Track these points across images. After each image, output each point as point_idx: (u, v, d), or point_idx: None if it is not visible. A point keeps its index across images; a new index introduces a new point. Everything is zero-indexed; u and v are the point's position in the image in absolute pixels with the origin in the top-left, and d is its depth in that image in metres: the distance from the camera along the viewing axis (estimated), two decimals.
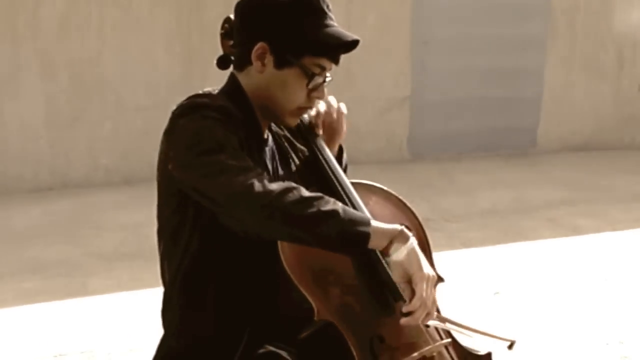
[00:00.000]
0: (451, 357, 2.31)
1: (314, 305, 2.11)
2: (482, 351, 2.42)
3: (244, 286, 2.25)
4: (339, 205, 1.99)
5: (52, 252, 5.84)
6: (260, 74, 2.19)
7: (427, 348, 2.21)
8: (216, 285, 2.25)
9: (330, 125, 2.44)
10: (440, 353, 2.27)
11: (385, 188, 2.46)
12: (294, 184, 2.02)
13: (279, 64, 2.16)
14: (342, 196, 2.25)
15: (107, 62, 7.14)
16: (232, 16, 2.47)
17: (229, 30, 2.44)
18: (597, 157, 9.20)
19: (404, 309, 2.04)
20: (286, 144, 2.45)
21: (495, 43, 8.63)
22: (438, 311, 2.20)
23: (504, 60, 8.64)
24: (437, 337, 2.28)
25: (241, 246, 2.20)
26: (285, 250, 2.12)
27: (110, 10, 7.11)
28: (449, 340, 2.30)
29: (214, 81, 7.82)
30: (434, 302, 2.09)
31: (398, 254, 2.02)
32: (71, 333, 4.56)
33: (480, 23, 8.52)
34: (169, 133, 2.16)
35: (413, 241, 2.04)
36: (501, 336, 2.25)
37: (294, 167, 2.42)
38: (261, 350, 2.27)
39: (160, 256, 2.37)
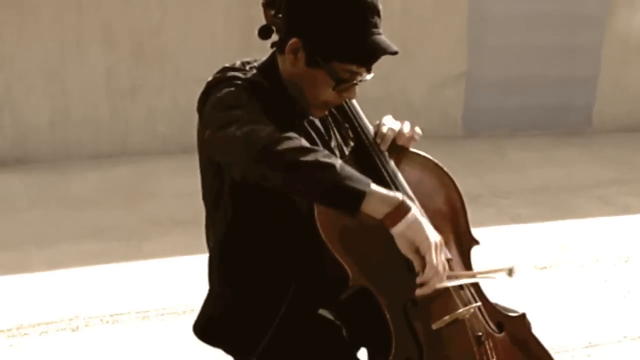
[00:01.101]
0: (484, 319, 2.38)
1: (348, 270, 2.19)
2: (517, 312, 2.49)
3: (283, 252, 2.34)
4: (338, 162, 1.96)
5: (109, 217, 6.00)
6: (292, 67, 2.24)
7: (459, 311, 2.27)
8: (255, 250, 2.35)
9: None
10: (474, 315, 2.34)
11: (426, 155, 2.51)
12: (296, 135, 2.01)
13: (309, 63, 2.20)
14: (386, 180, 2.31)
15: (168, 33, 7.25)
16: None
17: (270, 1, 2.53)
18: None
19: (418, 280, 2.04)
20: (331, 121, 2.49)
21: (553, 21, 8.57)
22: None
23: (561, 38, 8.58)
24: (470, 300, 2.35)
25: (279, 210, 2.29)
26: (320, 217, 2.19)
27: None
28: (479, 303, 2.36)
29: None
30: (444, 266, 2.07)
31: (399, 226, 2.00)
32: (127, 294, 4.73)
33: (538, 0, 8.48)
34: (200, 102, 2.23)
35: (415, 211, 2.02)
36: (499, 268, 2.24)
37: (334, 144, 2.46)
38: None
39: (205, 222, 2.49)
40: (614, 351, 4.18)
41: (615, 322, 4.49)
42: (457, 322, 2.29)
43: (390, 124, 2.43)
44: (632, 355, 4.16)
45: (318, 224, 2.20)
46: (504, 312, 2.45)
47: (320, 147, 2.07)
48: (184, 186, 6.67)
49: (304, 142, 1.99)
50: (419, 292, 2.05)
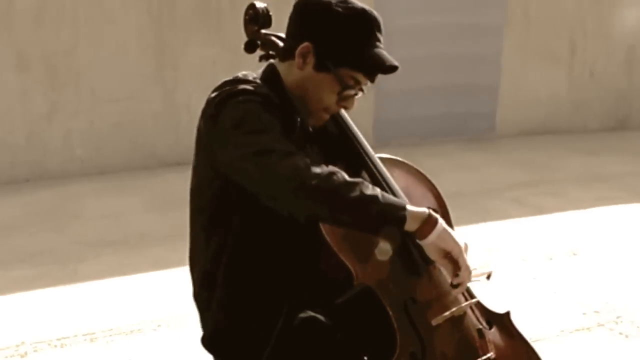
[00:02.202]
0: (475, 316, 2.50)
1: (352, 270, 2.26)
2: (501, 311, 2.62)
3: (286, 258, 2.39)
4: (377, 191, 2.10)
5: (37, 242, 5.91)
6: (299, 70, 2.32)
7: (456, 308, 2.38)
8: (260, 262, 2.38)
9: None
10: (466, 312, 2.46)
11: (406, 162, 2.63)
12: (336, 169, 2.13)
13: (318, 67, 2.29)
14: (376, 176, 2.43)
15: (82, 54, 7.20)
16: (256, 3, 2.63)
17: (253, 16, 2.60)
18: (552, 141, 9.51)
19: (454, 282, 2.19)
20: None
21: (454, 32, 8.88)
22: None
23: (463, 48, 8.89)
24: (464, 298, 2.48)
25: (283, 222, 2.30)
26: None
27: (83, 3, 7.18)
28: (476, 300, 2.49)
29: (185, 72, 8.10)
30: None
31: (430, 237, 2.13)
32: (70, 317, 4.67)
33: (439, 13, 8.76)
34: (213, 117, 2.24)
35: (441, 222, 2.14)
36: (479, 272, 2.38)
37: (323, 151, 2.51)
38: (301, 315, 2.43)
39: (193, 237, 2.49)
40: (554, 345, 4.37)
41: (551, 317, 4.69)
42: (455, 318, 2.40)
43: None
44: (571, 347, 4.35)
45: (321, 228, 2.27)
46: (491, 310, 2.57)
47: (359, 178, 2.14)
48: (107, 207, 6.65)
49: (345, 176, 2.09)
50: (455, 292, 2.25)
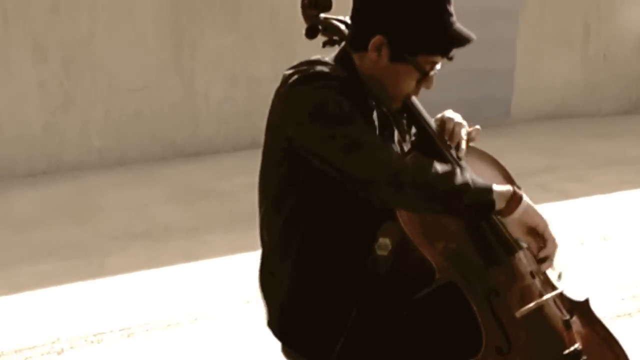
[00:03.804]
0: (557, 306, 2.44)
1: (434, 264, 2.22)
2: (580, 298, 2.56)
3: (358, 245, 2.32)
4: (467, 177, 2.10)
5: (62, 235, 5.84)
6: (373, 64, 2.26)
7: (542, 299, 2.34)
8: (330, 248, 2.32)
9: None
10: (549, 303, 2.39)
11: (479, 148, 2.58)
12: (424, 157, 2.15)
13: (394, 59, 2.23)
14: (448, 159, 2.34)
15: (99, 44, 7.11)
16: None
17: (312, 0, 2.54)
18: (567, 125, 9.47)
19: (542, 254, 2.22)
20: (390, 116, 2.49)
21: (469, 16, 8.77)
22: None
23: (478, 33, 8.76)
24: (547, 288, 2.42)
25: (357, 206, 2.26)
26: (402, 213, 2.21)
27: None
28: (560, 290, 2.43)
29: (204, 61, 8.00)
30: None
31: (516, 213, 2.15)
32: (105, 312, 4.60)
33: None
34: (288, 98, 2.21)
35: (525, 198, 2.16)
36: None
37: (397, 137, 2.47)
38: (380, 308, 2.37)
39: (260, 221, 2.43)
40: None
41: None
42: (539, 310, 2.34)
43: (457, 119, 2.47)
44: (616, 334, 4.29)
45: (400, 221, 2.21)
46: (571, 299, 2.51)
47: (448, 167, 2.14)
48: (129, 199, 6.58)
49: (436, 166, 2.10)
50: (544, 267, 2.25)
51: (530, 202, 2.17)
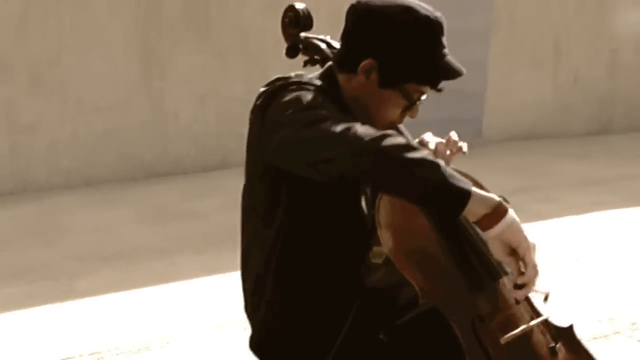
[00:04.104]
0: (542, 332, 2.38)
1: (417, 288, 2.13)
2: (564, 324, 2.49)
3: (342, 264, 2.26)
4: (441, 162, 1.89)
5: (29, 257, 5.72)
6: (360, 85, 2.19)
7: (527, 325, 2.25)
8: (316, 263, 2.26)
9: (444, 156, 2.44)
10: (537, 328, 2.33)
11: (460, 170, 2.52)
12: (395, 132, 1.97)
13: (383, 85, 2.16)
14: None
15: (67, 63, 7.01)
16: (296, 5, 2.50)
17: (293, 19, 2.47)
18: (539, 146, 9.48)
19: (519, 281, 2.00)
20: None
21: None
22: None
23: (449, 54, 8.82)
24: (532, 314, 2.36)
25: (341, 223, 2.22)
26: (384, 236, 2.14)
27: (68, 10, 6.99)
28: (547, 316, 2.36)
29: (173, 80, 7.91)
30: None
31: (497, 228, 1.93)
32: (73, 336, 4.50)
33: None
34: (262, 108, 2.14)
35: (512, 212, 1.95)
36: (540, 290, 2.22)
37: None
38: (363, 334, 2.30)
39: (246, 241, 2.36)
40: None
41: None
42: (525, 336, 2.26)
43: (436, 140, 2.43)
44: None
45: (384, 245, 2.14)
46: (555, 324, 2.46)
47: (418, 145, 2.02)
48: (97, 220, 6.48)
49: (405, 139, 1.92)
50: (519, 294, 2.03)
51: (516, 219, 1.95)
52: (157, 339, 4.43)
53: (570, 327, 2.47)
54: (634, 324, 4.65)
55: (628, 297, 5.01)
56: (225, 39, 7.63)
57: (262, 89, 2.20)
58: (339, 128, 1.91)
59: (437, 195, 1.88)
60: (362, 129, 1.91)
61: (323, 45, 2.48)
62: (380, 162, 1.88)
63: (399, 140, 1.90)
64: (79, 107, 7.14)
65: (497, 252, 1.99)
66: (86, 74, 7.12)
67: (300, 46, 2.51)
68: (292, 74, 2.25)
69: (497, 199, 1.94)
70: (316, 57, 2.50)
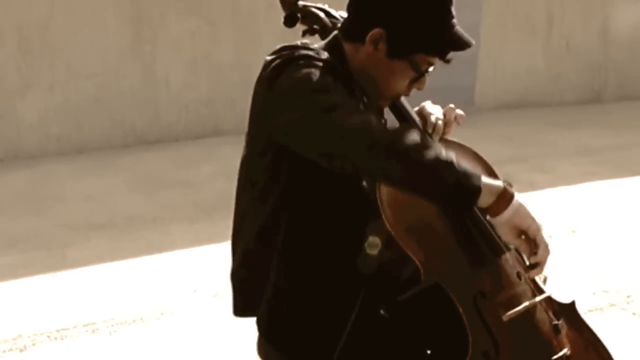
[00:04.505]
0: (544, 309, 2.36)
1: (418, 264, 2.11)
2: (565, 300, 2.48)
3: (346, 242, 2.21)
4: (453, 157, 1.90)
5: (20, 225, 5.68)
6: (368, 56, 2.14)
7: (530, 302, 2.24)
8: (318, 245, 2.21)
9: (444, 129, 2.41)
10: (540, 304, 2.31)
11: (462, 143, 2.49)
12: (409, 127, 1.97)
13: (391, 55, 2.11)
14: None
15: (56, 28, 6.92)
16: None
17: None
18: (531, 114, 9.47)
19: (532, 260, 2.04)
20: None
21: None
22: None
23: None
24: (534, 291, 2.33)
25: (341, 204, 2.18)
26: (386, 212, 2.12)
27: None
28: (549, 293, 2.35)
29: (165, 47, 7.79)
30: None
31: (505, 214, 1.96)
32: (67, 306, 4.47)
33: None
34: (270, 80, 2.07)
35: (518, 197, 1.98)
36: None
37: None
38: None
39: (239, 211, 2.31)
40: None
41: (561, 298, 4.60)
42: (527, 313, 2.25)
43: (437, 112, 2.39)
44: None
45: (384, 220, 2.12)
46: (557, 301, 2.44)
47: (430, 140, 1.97)
48: (89, 188, 6.43)
49: (419, 135, 1.91)
50: (533, 273, 2.07)
51: (522, 203, 1.99)
52: (152, 310, 4.41)
53: (572, 304, 2.47)
54: (629, 296, 4.66)
55: (623, 270, 5.02)
56: (216, 4, 7.53)
57: (268, 58, 2.13)
58: (355, 121, 1.90)
59: (451, 196, 1.92)
60: (378, 125, 1.90)
61: (322, 14, 2.44)
62: (397, 163, 1.89)
63: (415, 137, 1.89)
64: (69, 73, 7.05)
65: (507, 236, 2.01)
66: (76, 39, 7.03)
67: (299, 15, 2.44)
68: (299, 42, 2.19)
69: (502, 185, 1.96)
70: (315, 26, 2.45)
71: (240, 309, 2.34)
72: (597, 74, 10.22)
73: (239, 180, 2.31)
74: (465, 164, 1.93)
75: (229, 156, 7.00)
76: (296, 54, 2.09)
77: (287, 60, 2.07)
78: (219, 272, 4.73)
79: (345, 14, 2.51)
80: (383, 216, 2.12)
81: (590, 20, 9.98)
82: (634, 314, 4.46)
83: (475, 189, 1.91)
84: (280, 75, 2.05)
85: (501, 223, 1.99)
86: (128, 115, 7.41)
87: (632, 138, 8.55)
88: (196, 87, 7.63)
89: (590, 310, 4.44)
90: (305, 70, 2.02)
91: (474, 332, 2.15)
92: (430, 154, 1.87)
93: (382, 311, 2.31)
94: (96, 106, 7.24)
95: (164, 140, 7.54)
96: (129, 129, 7.43)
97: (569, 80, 9.99)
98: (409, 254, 2.12)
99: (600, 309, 4.51)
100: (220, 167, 6.56)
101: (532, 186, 6.63)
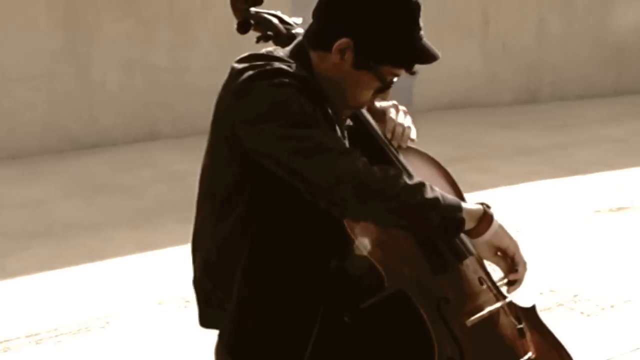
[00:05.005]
0: (506, 314, 2.35)
1: (382, 270, 2.11)
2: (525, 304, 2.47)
3: (311, 257, 2.18)
4: (437, 192, 1.99)
5: None
6: (333, 65, 2.11)
7: (494, 307, 2.25)
8: (283, 260, 2.17)
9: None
10: (502, 309, 2.31)
11: (419, 148, 2.48)
12: (392, 169, 2.03)
13: (357, 65, 2.09)
14: (396, 164, 2.24)
15: None
16: None
17: None
18: (469, 115, 9.55)
19: (511, 277, 2.15)
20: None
21: None
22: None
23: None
24: (496, 296, 2.32)
25: (307, 214, 2.12)
26: (349, 221, 2.09)
27: None
28: (510, 298, 2.33)
29: (100, 48, 7.66)
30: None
31: (486, 236, 2.07)
32: (8, 317, 4.34)
33: None
34: (241, 94, 2.03)
35: (496, 217, 2.08)
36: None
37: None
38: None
39: (199, 220, 2.26)
40: None
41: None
42: (491, 318, 2.26)
43: (399, 119, 2.37)
44: None
45: (348, 227, 2.09)
46: (518, 305, 2.43)
47: (419, 180, 2.02)
48: (24, 195, 6.30)
49: (405, 177, 1.99)
50: (510, 289, 2.17)
51: (500, 224, 2.09)
52: (97, 319, 4.30)
53: (533, 308, 2.48)
54: (575, 295, 4.70)
55: (569, 269, 5.07)
56: (151, 5, 7.41)
57: (237, 66, 2.08)
58: (341, 166, 1.95)
59: (437, 232, 2.04)
60: (363, 166, 1.96)
61: (275, 20, 2.44)
62: (385, 207, 1.96)
63: (401, 180, 1.97)
64: (2, 77, 6.87)
65: (486, 255, 2.14)
66: (8, 42, 6.86)
67: (252, 21, 2.44)
68: (268, 51, 2.15)
69: (482, 208, 2.07)
70: (269, 32, 2.44)
71: (207, 320, 2.28)
72: (533, 74, 10.34)
73: (200, 190, 2.26)
74: (449, 196, 2.02)
75: (168, 161, 7.03)
76: (268, 67, 2.04)
77: (260, 73, 2.03)
78: (163, 279, 4.66)
79: (298, 20, 2.50)
80: (346, 223, 2.10)
81: (526, 21, 10.10)
82: (581, 313, 4.49)
83: (460, 222, 2.01)
84: (252, 89, 2.01)
85: (481, 243, 2.10)
86: (63, 119, 7.25)
87: (569, 137, 8.67)
88: (132, 90, 7.49)
89: (538, 310, 4.45)
90: (284, 92, 1.99)
91: (439, 338, 2.14)
92: (417, 196, 1.97)
93: (345, 318, 2.28)
94: (29, 110, 7.06)
95: (100, 144, 7.39)
96: (63, 133, 7.26)
97: (506, 80, 10.10)
98: (372, 260, 2.11)
99: (548, 308, 4.53)
100: (159, 172, 6.47)
101: (475, 186, 6.63)
